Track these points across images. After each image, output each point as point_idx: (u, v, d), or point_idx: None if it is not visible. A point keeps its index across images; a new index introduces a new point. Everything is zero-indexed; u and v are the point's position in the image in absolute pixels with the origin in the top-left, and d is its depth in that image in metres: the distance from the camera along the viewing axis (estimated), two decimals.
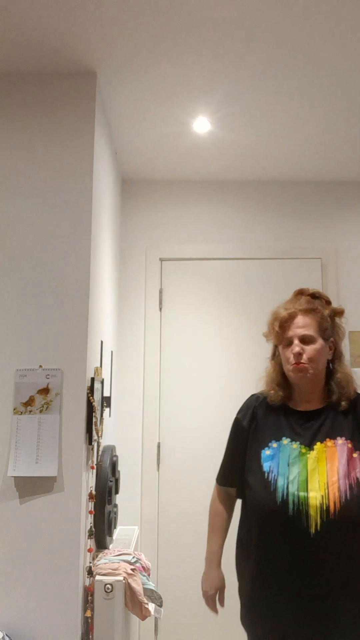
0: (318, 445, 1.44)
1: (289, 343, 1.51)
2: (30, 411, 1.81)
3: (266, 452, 1.48)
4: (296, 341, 1.49)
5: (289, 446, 1.45)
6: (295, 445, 1.45)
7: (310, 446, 1.44)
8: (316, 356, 1.49)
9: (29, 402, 1.82)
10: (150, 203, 3.06)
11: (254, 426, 1.56)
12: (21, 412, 1.81)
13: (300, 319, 1.50)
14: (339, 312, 1.62)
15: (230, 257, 2.98)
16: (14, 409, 1.81)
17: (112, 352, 2.61)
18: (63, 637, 1.70)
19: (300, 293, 1.60)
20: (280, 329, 1.52)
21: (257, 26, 1.82)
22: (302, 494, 1.37)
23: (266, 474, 1.44)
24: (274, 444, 1.48)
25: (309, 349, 1.49)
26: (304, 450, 1.44)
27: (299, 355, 1.48)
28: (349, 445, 1.43)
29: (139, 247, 3.01)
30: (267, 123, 2.47)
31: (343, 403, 1.50)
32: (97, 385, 1.98)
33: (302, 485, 1.38)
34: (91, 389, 1.91)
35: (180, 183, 3.07)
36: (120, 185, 3.00)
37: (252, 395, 1.66)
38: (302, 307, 1.52)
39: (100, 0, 1.70)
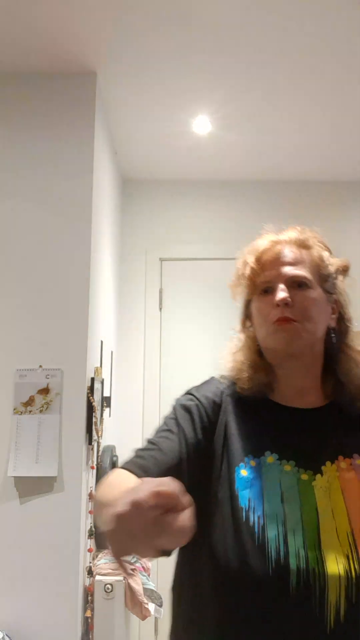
0: (328, 468, 0.84)
1: (269, 290, 0.91)
2: (30, 411, 1.81)
3: (241, 473, 0.83)
4: (281, 285, 0.90)
5: (277, 468, 0.84)
6: (289, 466, 0.84)
7: (315, 469, 0.84)
8: (312, 309, 0.89)
9: (29, 402, 1.82)
10: (150, 203, 3.06)
11: (223, 427, 0.90)
12: (21, 412, 1.81)
13: (288, 252, 0.93)
14: (344, 267, 1.00)
15: (231, 257, 2.95)
16: (14, 409, 1.81)
17: (112, 352, 2.61)
18: (63, 637, 1.70)
19: (282, 229, 1.04)
20: (257, 267, 0.92)
21: (257, 26, 1.82)
22: (313, 555, 0.75)
23: (243, 513, 0.79)
24: (252, 462, 0.85)
25: (301, 297, 0.89)
26: (305, 476, 0.83)
27: (284, 304, 0.87)
28: None
29: (139, 247, 3.01)
30: (267, 123, 2.47)
31: (359, 404, 0.92)
32: (97, 385, 1.98)
33: (311, 539, 0.76)
34: (91, 389, 1.91)
35: (180, 183, 3.07)
36: (121, 185, 3.00)
37: (213, 378, 1.00)
38: (292, 237, 0.97)
39: (100, 1, 1.70)
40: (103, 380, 2.20)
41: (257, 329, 0.94)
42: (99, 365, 2.17)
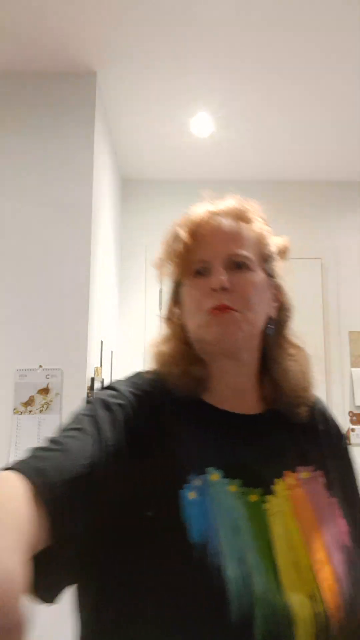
0: (278, 486, 0.70)
1: (203, 271, 0.75)
2: (30, 411, 1.81)
3: (188, 496, 0.64)
4: (218, 264, 0.74)
5: (222, 488, 0.66)
6: (234, 486, 0.67)
7: (265, 487, 0.69)
8: (254, 296, 0.75)
9: (29, 402, 1.82)
10: (150, 203, 3.06)
11: (159, 434, 0.70)
12: (21, 412, 1.81)
13: (227, 226, 0.77)
14: (284, 248, 0.87)
15: None
16: (14, 409, 1.81)
17: (112, 352, 2.61)
18: (62, 636, 1.70)
19: (218, 199, 0.84)
20: (190, 242, 0.76)
21: (257, 26, 1.82)
22: (277, 600, 0.60)
23: (196, 550, 0.59)
24: (197, 481, 0.66)
25: (242, 280, 0.74)
26: (253, 498, 0.67)
27: (221, 289, 0.72)
28: (321, 480, 0.74)
29: (139, 247, 3.01)
30: (267, 123, 2.47)
31: (302, 409, 0.80)
32: (97, 385, 1.98)
33: (272, 579, 0.61)
34: (91, 389, 1.90)
35: (180, 183, 3.07)
36: (120, 185, 3.00)
37: (140, 373, 0.80)
38: (231, 208, 0.80)
39: (100, 1, 1.70)
40: (103, 380, 2.20)
41: (187, 317, 0.77)
42: (99, 365, 2.17)
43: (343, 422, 2.88)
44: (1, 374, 1.85)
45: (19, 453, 1.78)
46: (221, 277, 0.72)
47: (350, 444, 2.82)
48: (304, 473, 0.73)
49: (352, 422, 2.88)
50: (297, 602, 0.60)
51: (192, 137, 2.59)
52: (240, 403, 0.77)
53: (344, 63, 2.02)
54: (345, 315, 2.97)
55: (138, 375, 0.80)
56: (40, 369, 1.85)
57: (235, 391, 0.77)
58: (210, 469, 0.67)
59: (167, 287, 0.85)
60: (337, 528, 0.70)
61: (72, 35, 1.86)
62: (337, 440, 0.84)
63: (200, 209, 0.80)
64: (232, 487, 0.67)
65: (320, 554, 0.65)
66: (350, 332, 2.96)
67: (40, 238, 1.94)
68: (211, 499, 0.64)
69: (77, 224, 1.95)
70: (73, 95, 2.05)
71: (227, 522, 0.63)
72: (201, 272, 0.75)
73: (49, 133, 2.02)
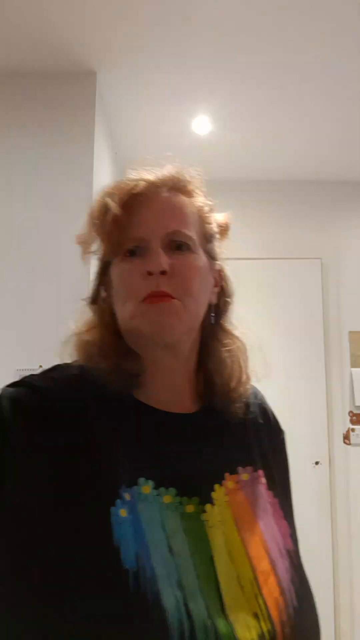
0: (218, 493, 0.63)
1: (137, 251, 0.64)
2: None
3: (120, 514, 0.55)
4: (156, 244, 0.63)
5: (156, 500, 0.59)
6: (169, 497, 0.60)
7: (203, 496, 0.62)
8: (196, 282, 0.66)
9: None
10: None
11: (85, 439, 0.59)
12: None
13: (167, 200, 0.67)
14: (226, 225, 0.78)
15: (230, 257, 2.97)
16: None
17: None
18: None
19: (153, 167, 0.72)
20: (123, 217, 0.64)
21: (258, 26, 1.82)
22: (221, 624, 0.54)
23: (130, 578, 0.52)
24: (127, 495, 0.57)
25: (183, 263, 0.64)
26: (190, 508, 0.60)
27: (160, 272, 0.62)
28: (263, 481, 0.68)
29: None
30: (267, 123, 2.47)
31: (238, 405, 0.72)
32: None
33: (213, 601, 0.55)
34: None
35: None
36: None
37: (59, 367, 0.70)
38: (171, 178, 0.70)
39: (100, 1, 1.70)
40: None
41: (117, 303, 0.66)
42: None
43: (343, 422, 2.88)
44: (1, 374, 1.85)
45: None
46: (159, 257, 0.62)
47: (350, 444, 2.83)
48: (244, 474, 0.67)
49: (352, 422, 2.88)
50: (241, 624, 0.54)
51: (193, 137, 2.59)
52: (176, 401, 0.68)
53: (345, 63, 2.02)
54: (345, 315, 2.97)
55: (58, 369, 0.69)
56: (40, 369, 1.85)
57: (170, 388, 0.68)
58: (141, 480, 0.58)
59: (94, 267, 0.73)
60: (280, 531, 0.65)
61: (72, 36, 1.86)
62: (276, 434, 0.77)
63: (134, 177, 0.68)
64: (167, 498, 0.59)
65: (264, 564, 0.60)
66: (350, 332, 2.96)
67: (41, 238, 1.94)
68: (143, 515, 0.56)
69: (77, 224, 1.95)
70: (73, 95, 2.05)
71: (162, 541, 0.56)
72: (135, 252, 0.64)
73: (49, 133, 2.01)
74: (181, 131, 2.53)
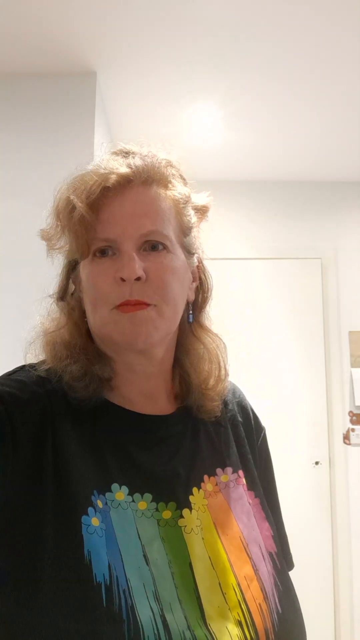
0: (196, 497, 0.61)
1: (107, 252, 0.60)
2: None
3: (92, 523, 0.53)
4: (129, 247, 0.59)
5: (130, 507, 0.56)
6: (144, 503, 0.57)
7: (180, 500, 0.59)
8: (173, 285, 0.61)
9: None
10: None
11: (50, 447, 0.56)
12: None
13: (140, 197, 0.61)
14: (204, 208, 0.74)
15: (230, 257, 2.98)
16: None
17: None
18: None
19: (125, 153, 0.71)
20: (89, 215, 0.59)
21: (258, 26, 1.82)
22: (201, 635, 0.51)
23: (103, 592, 0.49)
24: (99, 502, 0.55)
25: (159, 267, 0.60)
26: (167, 514, 0.58)
27: (135, 278, 0.58)
28: (243, 482, 0.66)
29: None
30: (268, 123, 2.47)
31: (216, 404, 0.69)
32: None
33: (193, 611, 0.53)
34: None
35: None
36: None
37: (25, 368, 0.68)
38: (144, 169, 0.66)
39: (100, 1, 1.70)
40: None
41: (86, 305, 0.62)
42: None
43: (343, 422, 2.88)
44: (1, 374, 1.85)
45: None
46: (133, 263, 0.56)
47: (350, 444, 2.83)
48: (223, 476, 0.64)
49: (352, 422, 2.88)
50: (223, 632, 0.51)
51: (192, 137, 2.59)
52: (150, 402, 0.65)
53: (344, 63, 2.02)
54: (345, 315, 2.97)
55: (24, 371, 0.64)
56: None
57: (145, 390, 0.65)
58: (114, 486, 0.55)
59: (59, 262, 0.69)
60: (262, 534, 0.63)
61: (72, 35, 1.86)
62: (257, 432, 0.74)
63: (101, 169, 0.62)
64: (142, 505, 0.56)
65: (246, 569, 0.57)
66: (350, 332, 2.96)
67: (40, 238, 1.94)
68: (116, 523, 0.53)
69: None
70: (73, 95, 2.05)
71: (137, 550, 0.53)
72: (105, 252, 0.59)
73: (49, 133, 2.02)
74: (181, 131, 2.53)
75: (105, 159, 0.66)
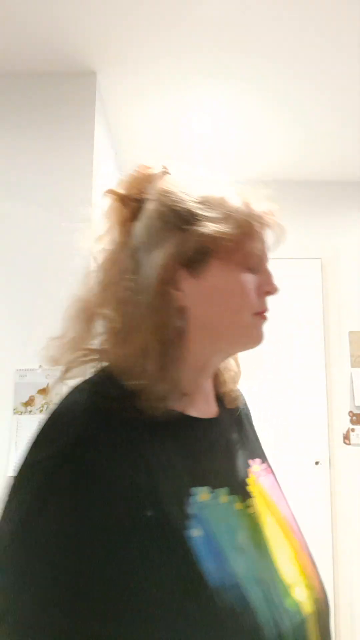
0: (251, 486, 0.65)
1: (253, 267, 0.66)
2: (30, 411, 1.81)
3: (194, 534, 0.54)
4: (268, 266, 0.69)
5: (215, 504, 0.59)
6: (225, 497, 0.60)
7: (244, 491, 0.64)
8: None
9: (29, 402, 1.82)
10: None
11: (141, 466, 0.55)
12: (21, 412, 1.81)
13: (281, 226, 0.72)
14: None
15: None
16: (14, 409, 1.81)
17: None
18: None
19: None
20: (260, 230, 0.67)
21: (258, 26, 1.82)
22: (293, 604, 0.57)
23: (222, 592, 0.52)
24: (191, 509, 0.56)
25: None
26: (239, 506, 0.61)
27: (275, 290, 0.68)
28: (269, 469, 0.74)
29: None
30: (267, 123, 2.47)
31: (239, 400, 0.77)
32: None
33: (283, 586, 0.57)
34: None
35: None
36: None
37: (99, 387, 0.61)
38: (278, 210, 0.72)
39: (100, 1, 1.70)
40: None
41: (221, 309, 0.63)
42: None
43: (343, 422, 2.88)
44: (1, 374, 1.86)
45: (19, 453, 1.78)
46: (275, 282, 0.67)
47: (350, 444, 2.83)
48: (255, 466, 0.70)
49: (352, 422, 2.88)
50: (303, 598, 0.58)
51: (192, 137, 2.59)
52: (207, 406, 0.68)
53: (345, 62, 2.02)
54: (345, 315, 2.97)
55: (98, 390, 0.59)
56: (40, 369, 1.85)
57: (205, 394, 0.68)
58: (197, 489, 0.58)
59: (169, 245, 0.61)
60: (291, 514, 0.70)
61: (72, 35, 1.86)
62: (252, 417, 0.81)
63: (269, 201, 0.69)
64: (223, 499, 0.60)
65: (296, 542, 0.65)
66: (350, 332, 2.96)
67: (40, 238, 1.94)
68: (210, 525, 0.56)
69: (77, 224, 1.95)
70: (73, 95, 2.05)
71: (231, 543, 0.57)
72: (251, 268, 0.65)
73: (49, 133, 2.02)
74: (181, 131, 2.53)
75: (257, 191, 0.71)
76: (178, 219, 0.61)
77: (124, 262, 0.63)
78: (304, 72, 2.08)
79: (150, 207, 0.63)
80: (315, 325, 2.96)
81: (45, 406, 1.81)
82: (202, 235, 0.60)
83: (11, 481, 0.54)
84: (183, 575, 0.51)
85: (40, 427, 0.56)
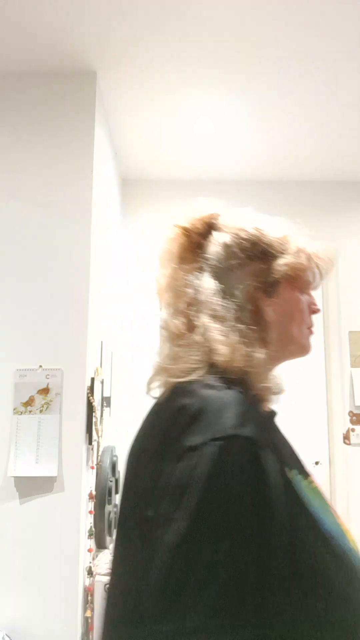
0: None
1: (306, 293, 0.86)
2: (30, 411, 1.81)
3: (328, 513, 0.69)
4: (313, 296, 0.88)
5: (302, 482, 0.69)
6: (303, 477, 0.71)
7: (306, 470, 0.76)
8: None
9: (29, 402, 1.82)
10: (150, 203, 3.06)
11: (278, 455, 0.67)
12: (21, 412, 1.81)
13: None
14: None
15: None
16: (14, 409, 1.81)
17: (112, 352, 2.61)
18: (63, 637, 1.70)
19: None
20: (323, 271, 0.85)
21: (258, 26, 1.82)
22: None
23: (346, 552, 0.64)
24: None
25: None
26: (313, 484, 0.74)
27: (318, 310, 0.89)
28: None
29: (139, 248, 3.01)
30: (267, 123, 2.47)
31: None
32: (97, 385, 1.98)
33: (352, 541, 0.70)
34: (91, 389, 1.91)
35: (180, 183, 3.07)
36: (120, 185, 3.00)
37: (234, 391, 0.66)
38: None
39: (100, 1, 1.70)
40: (103, 380, 2.20)
41: (288, 323, 0.81)
42: (99, 365, 2.17)
43: (343, 422, 2.88)
44: (1, 374, 1.86)
45: (19, 453, 1.78)
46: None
47: (350, 444, 2.83)
48: None
49: (352, 422, 2.88)
50: None
51: (193, 137, 2.59)
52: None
53: (346, 62, 2.02)
54: (345, 315, 2.97)
55: (244, 402, 0.66)
56: (40, 369, 1.85)
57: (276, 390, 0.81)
58: (293, 472, 0.67)
59: (248, 276, 0.76)
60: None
61: (72, 35, 1.86)
62: None
63: (330, 250, 0.89)
64: (308, 479, 0.71)
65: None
66: (350, 332, 2.96)
67: (40, 238, 1.94)
68: (311, 501, 0.65)
69: (77, 224, 1.95)
70: (73, 95, 2.05)
71: (325, 515, 0.66)
72: (303, 291, 0.84)
73: (49, 133, 2.02)
74: (181, 131, 2.53)
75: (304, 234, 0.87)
76: (259, 251, 0.77)
77: (209, 284, 0.75)
78: (305, 73, 2.08)
79: (224, 239, 0.78)
80: (315, 325, 2.96)
81: (45, 406, 1.81)
82: (284, 266, 0.77)
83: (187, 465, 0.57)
84: (316, 536, 0.61)
85: (200, 414, 0.61)
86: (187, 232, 0.82)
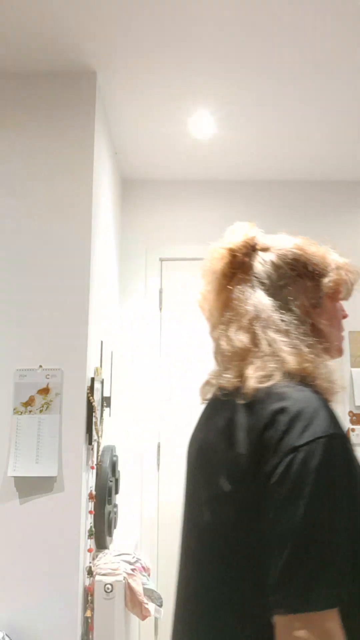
0: None
1: (340, 301, 1.00)
2: (30, 411, 1.81)
3: None
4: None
5: None
6: None
7: None
8: None
9: (29, 402, 1.82)
10: (150, 203, 3.06)
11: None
12: (21, 412, 1.81)
13: None
14: None
15: None
16: (14, 409, 1.81)
17: (112, 352, 2.61)
18: (63, 637, 1.70)
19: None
20: (353, 283, 1.00)
21: (258, 26, 1.82)
22: None
23: None
24: None
25: None
26: None
27: (347, 316, 1.05)
28: None
29: (139, 247, 3.01)
30: (268, 123, 2.47)
31: None
32: (97, 385, 1.98)
33: None
34: (91, 389, 1.91)
35: (180, 183, 3.07)
36: (120, 185, 3.00)
37: (316, 394, 0.78)
38: None
39: (100, 1, 1.70)
40: (103, 380, 2.20)
41: (332, 327, 0.96)
42: (99, 365, 2.17)
43: (343, 422, 2.87)
44: (1, 374, 1.86)
45: (19, 453, 1.78)
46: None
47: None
48: None
49: (352, 422, 2.88)
50: None
51: (193, 138, 2.59)
52: None
53: (344, 63, 2.02)
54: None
55: (314, 395, 0.77)
56: (40, 369, 1.85)
57: None
58: None
59: (302, 289, 0.90)
60: None
61: (72, 35, 1.86)
62: None
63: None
64: None
65: None
66: (350, 332, 2.96)
67: (40, 238, 1.94)
68: None
69: (77, 224, 1.96)
70: (73, 95, 2.05)
71: None
72: (339, 300, 0.97)
73: (49, 133, 2.02)
74: (181, 131, 2.53)
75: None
76: (307, 270, 0.90)
77: (266, 300, 0.87)
78: (305, 72, 2.08)
79: (270, 258, 0.90)
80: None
81: (45, 406, 1.81)
82: (329, 282, 0.91)
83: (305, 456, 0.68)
84: None
85: (299, 415, 0.72)
86: (232, 252, 0.93)
